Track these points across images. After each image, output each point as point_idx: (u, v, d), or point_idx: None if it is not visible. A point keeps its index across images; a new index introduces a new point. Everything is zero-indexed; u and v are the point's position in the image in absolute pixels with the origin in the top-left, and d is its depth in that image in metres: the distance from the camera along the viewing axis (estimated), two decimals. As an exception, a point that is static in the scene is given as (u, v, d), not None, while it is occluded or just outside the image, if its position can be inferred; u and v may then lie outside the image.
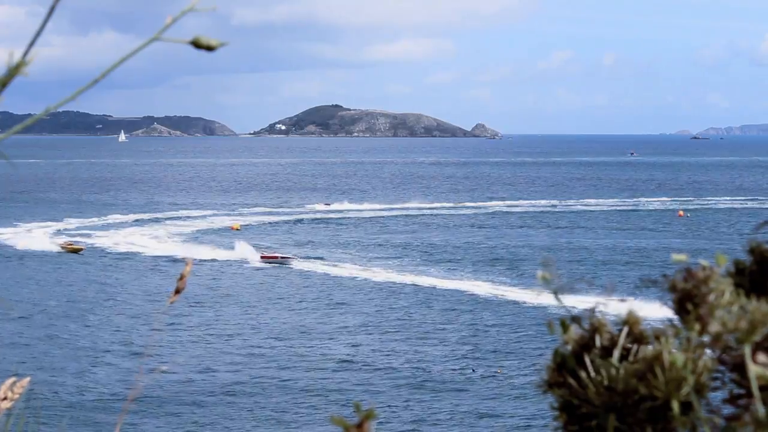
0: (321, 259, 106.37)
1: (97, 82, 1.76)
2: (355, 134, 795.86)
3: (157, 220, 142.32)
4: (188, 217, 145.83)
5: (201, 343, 71.73)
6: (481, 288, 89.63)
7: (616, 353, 1.69)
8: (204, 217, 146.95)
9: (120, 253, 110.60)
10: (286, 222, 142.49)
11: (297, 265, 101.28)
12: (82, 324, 76.92)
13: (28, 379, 2.96)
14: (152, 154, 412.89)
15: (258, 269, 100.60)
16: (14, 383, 2.90)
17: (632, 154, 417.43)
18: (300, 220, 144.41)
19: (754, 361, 1.62)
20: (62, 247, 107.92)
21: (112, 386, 60.04)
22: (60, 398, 57.10)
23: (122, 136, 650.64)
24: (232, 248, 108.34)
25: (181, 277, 3.08)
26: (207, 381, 61.97)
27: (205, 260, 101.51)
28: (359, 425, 1.66)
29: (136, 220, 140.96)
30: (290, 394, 59.64)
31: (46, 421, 49.48)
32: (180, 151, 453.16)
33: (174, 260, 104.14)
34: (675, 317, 1.71)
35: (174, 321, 75.18)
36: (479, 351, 68.39)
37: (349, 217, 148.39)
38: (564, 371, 1.71)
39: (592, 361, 1.69)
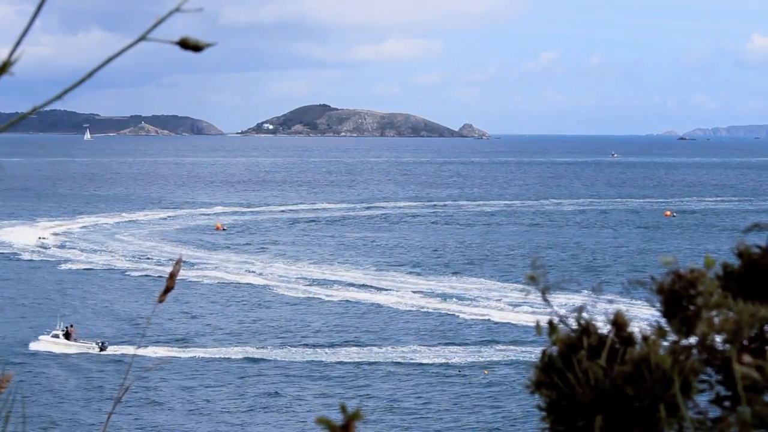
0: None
1: (84, 81, 1.76)
2: (343, 134, 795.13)
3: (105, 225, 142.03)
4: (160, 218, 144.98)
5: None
6: (462, 287, 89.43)
7: (604, 354, 1.69)
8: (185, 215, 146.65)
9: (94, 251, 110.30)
10: (268, 220, 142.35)
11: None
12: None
13: (12, 374, 2.95)
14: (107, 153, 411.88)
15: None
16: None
17: (613, 155, 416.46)
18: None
19: (740, 362, 1.63)
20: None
21: (103, 382, 59.89)
22: (44, 396, 56.92)
23: (87, 135, 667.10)
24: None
25: (171, 276, 3.08)
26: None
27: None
28: (345, 426, 1.65)
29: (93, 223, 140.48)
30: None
31: (32, 417, 49.30)
32: (153, 152, 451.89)
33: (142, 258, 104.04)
34: (663, 319, 1.72)
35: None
36: (465, 352, 68.31)
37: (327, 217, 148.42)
38: (551, 372, 1.71)
39: (579, 362, 1.69)
